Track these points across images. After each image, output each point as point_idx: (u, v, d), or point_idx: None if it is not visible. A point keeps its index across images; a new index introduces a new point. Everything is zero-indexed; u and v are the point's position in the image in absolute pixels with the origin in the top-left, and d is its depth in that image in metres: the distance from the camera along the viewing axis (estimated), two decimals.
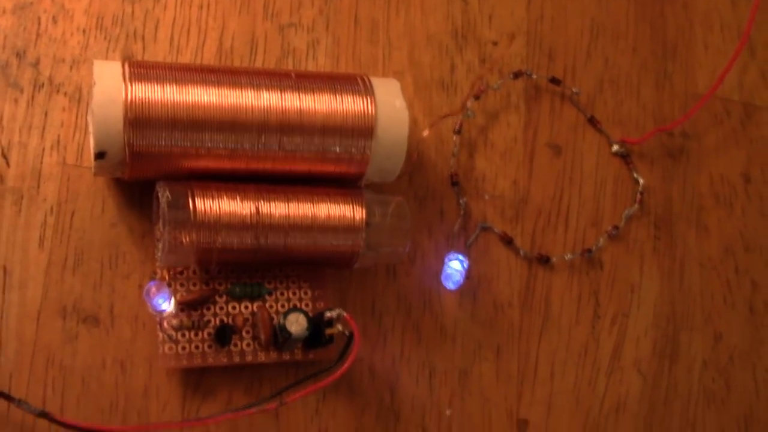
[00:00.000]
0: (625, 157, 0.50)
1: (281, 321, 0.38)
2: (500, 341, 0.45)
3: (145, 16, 0.42)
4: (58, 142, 0.40)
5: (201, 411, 0.40)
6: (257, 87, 0.39)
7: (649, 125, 0.51)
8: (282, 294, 0.41)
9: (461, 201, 0.46)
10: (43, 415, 0.35)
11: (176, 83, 0.37)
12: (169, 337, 0.39)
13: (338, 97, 0.40)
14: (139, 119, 0.37)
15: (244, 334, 0.40)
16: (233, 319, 0.39)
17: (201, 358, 0.39)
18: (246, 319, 0.40)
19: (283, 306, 0.41)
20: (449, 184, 0.46)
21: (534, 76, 0.48)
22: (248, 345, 0.40)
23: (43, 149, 0.40)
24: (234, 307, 0.40)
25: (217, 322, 0.39)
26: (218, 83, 0.38)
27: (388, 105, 0.40)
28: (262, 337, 0.39)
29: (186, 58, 0.43)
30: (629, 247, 0.49)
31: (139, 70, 0.37)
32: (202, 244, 0.38)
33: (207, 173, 0.38)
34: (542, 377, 0.45)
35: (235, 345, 0.40)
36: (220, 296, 0.40)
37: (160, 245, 0.38)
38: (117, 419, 0.38)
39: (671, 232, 0.50)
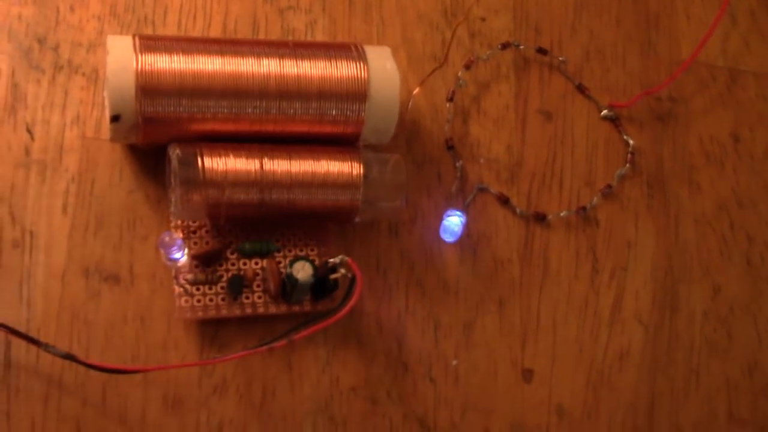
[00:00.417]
0: (614, 120, 0.52)
1: (288, 269, 0.41)
2: (502, 295, 0.47)
3: (155, 3, 0.46)
4: (78, 117, 0.44)
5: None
6: (257, 55, 0.42)
7: (637, 91, 0.53)
8: (290, 251, 0.44)
9: (457, 164, 0.48)
10: (69, 357, 0.37)
11: (182, 53, 0.41)
12: (185, 290, 0.41)
13: (333, 63, 0.43)
14: (149, 86, 0.40)
15: (255, 287, 0.42)
16: (244, 273, 0.42)
17: (215, 310, 0.42)
18: (256, 274, 0.42)
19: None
20: (445, 149, 0.49)
21: (521, 47, 0.51)
22: (259, 297, 0.43)
23: (64, 124, 0.43)
24: (245, 263, 0.43)
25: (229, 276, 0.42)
26: (221, 53, 0.41)
27: (380, 68, 0.43)
28: (272, 287, 0.42)
29: None
30: (623, 205, 0.51)
31: (148, 42, 0.41)
32: (212, 199, 0.40)
33: (214, 136, 0.42)
34: (545, 329, 0.47)
35: (247, 298, 0.42)
36: (231, 253, 0.43)
37: (173, 201, 0.41)
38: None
39: (664, 191, 0.52)
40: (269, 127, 0.42)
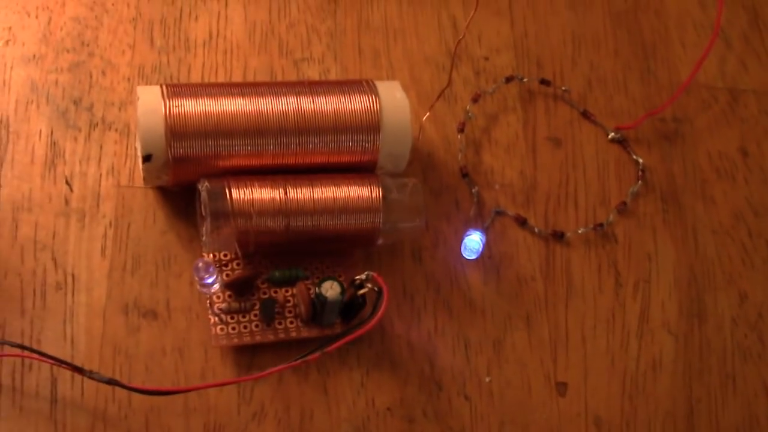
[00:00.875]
0: (622, 142, 0.54)
1: (317, 289, 0.42)
2: (529, 311, 0.48)
3: (179, 63, 0.50)
4: (113, 168, 0.47)
5: (255, 388, 0.43)
6: (275, 95, 0.45)
7: (641, 115, 0.55)
8: (318, 278, 0.45)
9: (473, 190, 0.50)
10: (112, 382, 0.39)
11: (206, 97, 0.44)
12: (220, 319, 0.43)
13: (346, 98, 0.46)
14: (177, 128, 0.43)
15: (286, 313, 0.44)
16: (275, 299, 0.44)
17: (250, 336, 0.43)
18: (287, 301, 0.44)
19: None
20: (460, 177, 0.51)
21: (525, 80, 0.54)
22: (291, 323, 0.44)
23: (100, 175, 0.47)
24: (275, 292, 0.45)
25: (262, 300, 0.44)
26: (242, 94, 0.45)
27: (390, 98, 0.46)
28: (303, 309, 0.43)
29: None
30: (640, 221, 0.52)
31: (175, 89, 0.44)
32: (240, 228, 0.43)
33: (239, 170, 0.44)
34: (574, 342, 0.48)
35: (280, 323, 0.44)
36: (262, 283, 0.45)
37: (204, 233, 0.43)
38: (179, 398, 0.42)
39: (679, 205, 0.53)
40: (290, 160, 0.45)
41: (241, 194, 0.43)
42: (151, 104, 0.43)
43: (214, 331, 0.43)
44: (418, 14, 0.55)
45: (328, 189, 0.44)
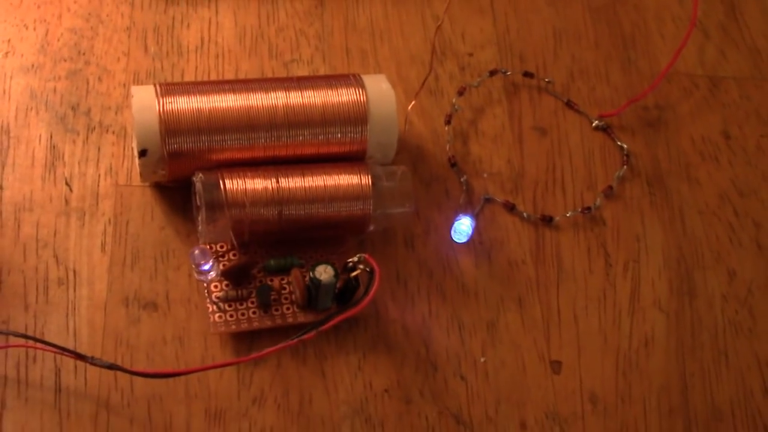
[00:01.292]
0: (606, 129, 0.55)
1: (311, 273, 0.43)
2: (521, 293, 0.49)
3: (172, 68, 0.52)
4: (111, 168, 0.48)
5: (254, 374, 0.44)
6: (265, 90, 0.47)
7: (623, 103, 0.56)
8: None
9: (462, 179, 0.52)
10: (113, 366, 0.40)
11: (198, 94, 0.46)
12: (218, 307, 0.44)
13: (334, 91, 0.47)
14: (171, 125, 0.45)
15: (282, 300, 0.45)
16: (271, 285, 0.45)
17: (247, 323, 0.44)
18: (283, 288, 0.45)
19: None
20: (449, 167, 0.52)
21: (508, 73, 0.55)
22: (288, 309, 0.45)
23: (99, 175, 0.48)
24: (271, 280, 0.46)
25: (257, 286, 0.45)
26: (233, 90, 0.46)
27: (377, 89, 0.47)
28: (298, 294, 0.44)
29: None
30: (627, 203, 0.53)
31: (168, 87, 0.46)
32: (235, 217, 0.44)
33: (232, 163, 0.46)
34: (567, 322, 0.49)
35: (276, 310, 0.45)
36: (258, 272, 0.46)
37: (200, 224, 0.45)
38: (181, 385, 0.43)
39: (665, 187, 0.54)
40: (281, 152, 0.46)
41: (234, 185, 0.44)
42: (145, 101, 0.45)
43: (212, 319, 0.44)
44: (402, 15, 0.57)
45: (319, 177, 0.45)
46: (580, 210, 0.52)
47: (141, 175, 0.45)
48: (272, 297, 0.45)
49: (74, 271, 0.45)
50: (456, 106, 0.53)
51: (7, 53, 0.51)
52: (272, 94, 0.46)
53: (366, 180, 0.46)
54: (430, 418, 0.45)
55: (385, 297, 0.48)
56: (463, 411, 0.45)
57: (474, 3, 0.58)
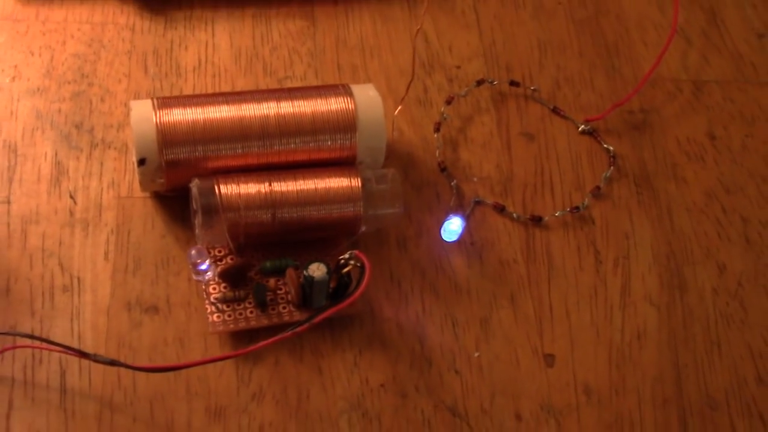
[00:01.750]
0: (592, 133, 0.57)
1: (305, 271, 0.45)
2: (513, 290, 0.50)
3: (171, 88, 0.54)
4: (113, 182, 0.50)
5: (253, 372, 0.46)
6: (257, 101, 0.49)
7: (608, 108, 0.58)
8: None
9: (452, 183, 0.53)
10: (114, 362, 0.41)
11: (193, 106, 0.48)
12: (216, 307, 0.46)
13: (324, 100, 0.49)
14: (168, 136, 0.47)
15: (278, 299, 0.47)
16: (267, 285, 0.46)
17: (245, 322, 0.46)
18: (279, 289, 0.47)
19: None
20: (439, 172, 0.54)
21: (495, 82, 0.57)
22: (284, 308, 0.47)
23: (102, 188, 0.50)
24: (267, 281, 0.47)
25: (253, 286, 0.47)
26: (226, 102, 0.48)
27: (364, 96, 0.50)
28: (293, 293, 0.46)
29: None
30: (615, 203, 0.54)
31: (165, 101, 0.48)
32: (230, 221, 0.46)
33: (227, 171, 0.47)
34: (559, 317, 0.50)
35: (273, 309, 0.46)
36: (255, 274, 0.47)
37: (197, 228, 0.46)
38: (182, 384, 0.44)
39: (652, 187, 0.55)
40: (274, 159, 0.48)
41: (229, 189, 0.46)
42: (143, 113, 0.47)
43: (211, 319, 0.46)
44: (391, 31, 0.59)
45: (310, 181, 0.47)
46: (568, 210, 0.53)
47: (140, 184, 0.48)
48: (268, 297, 0.46)
49: (78, 279, 0.47)
50: (444, 115, 0.55)
51: (14, 78, 0.54)
52: (264, 105, 0.48)
53: (356, 182, 0.47)
54: (426, 411, 0.46)
55: (380, 296, 0.49)
56: (459, 404, 0.46)
57: (460, 18, 0.61)
